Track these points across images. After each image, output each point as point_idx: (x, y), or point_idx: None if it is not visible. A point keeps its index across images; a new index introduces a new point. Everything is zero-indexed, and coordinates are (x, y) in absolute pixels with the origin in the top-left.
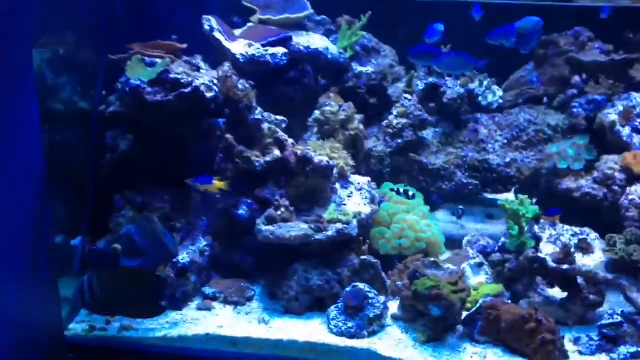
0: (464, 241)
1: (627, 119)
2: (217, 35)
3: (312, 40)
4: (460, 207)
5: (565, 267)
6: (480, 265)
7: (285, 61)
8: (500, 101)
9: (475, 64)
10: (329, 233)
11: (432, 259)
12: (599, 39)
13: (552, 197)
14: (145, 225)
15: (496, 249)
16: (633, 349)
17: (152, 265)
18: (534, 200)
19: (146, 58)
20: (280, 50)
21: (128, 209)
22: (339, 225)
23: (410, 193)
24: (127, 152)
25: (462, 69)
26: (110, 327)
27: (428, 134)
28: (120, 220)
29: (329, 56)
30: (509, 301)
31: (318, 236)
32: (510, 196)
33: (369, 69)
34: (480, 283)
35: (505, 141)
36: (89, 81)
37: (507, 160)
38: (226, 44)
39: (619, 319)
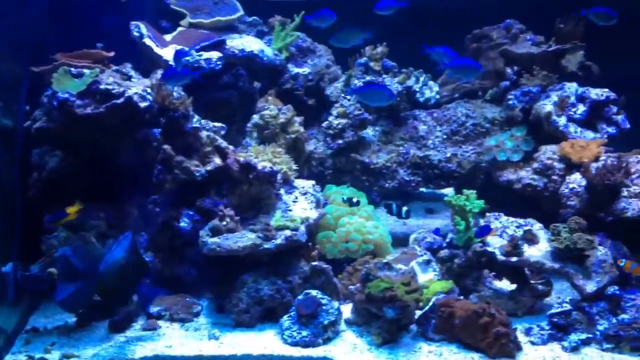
0: (411, 239)
1: (562, 109)
2: (148, 41)
3: (247, 43)
4: (405, 207)
5: (514, 259)
6: (428, 262)
7: (220, 65)
8: (438, 97)
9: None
10: (278, 241)
11: (384, 260)
12: (530, 31)
13: (492, 189)
14: (81, 246)
15: (443, 245)
16: (583, 336)
17: (92, 288)
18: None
19: (72, 69)
20: (215, 55)
21: (61, 229)
22: (288, 232)
23: (355, 199)
24: (56, 170)
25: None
26: (49, 357)
27: (368, 133)
28: (53, 242)
29: (265, 58)
30: (461, 297)
31: (267, 245)
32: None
33: (306, 69)
34: (430, 280)
35: (445, 136)
36: (10, 96)
37: (448, 155)
38: (157, 50)
39: (568, 307)
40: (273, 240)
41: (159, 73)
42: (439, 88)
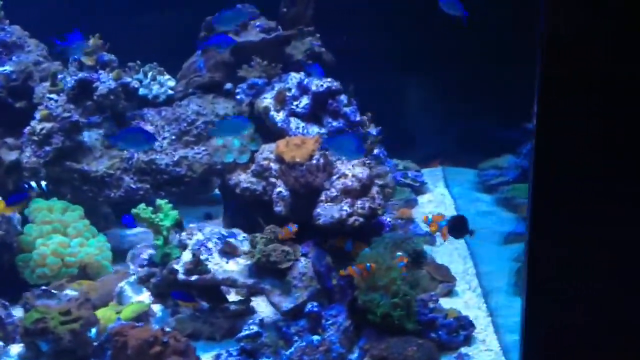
0: (129, 255)
1: (281, 102)
2: None
3: None
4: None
5: (194, 277)
6: (141, 281)
7: None
8: (170, 92)
9: None
10: None
11: (43, 287)
12: (264, 16)
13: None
14: None
15: (144, 263)
16: None
17: None
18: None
19: None
20: None
21: None
22: None
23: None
24: None
25: None
26: None
27: (88, 136)
28: None
29: None
30: (140, 324)
31: None
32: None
33: (8, 67)
34: (142, 302)
35: (174, 137)
36: None
37: (176, 158)
38: None
39: (255, 329)
40: None
41: None
42: (177, 82)
